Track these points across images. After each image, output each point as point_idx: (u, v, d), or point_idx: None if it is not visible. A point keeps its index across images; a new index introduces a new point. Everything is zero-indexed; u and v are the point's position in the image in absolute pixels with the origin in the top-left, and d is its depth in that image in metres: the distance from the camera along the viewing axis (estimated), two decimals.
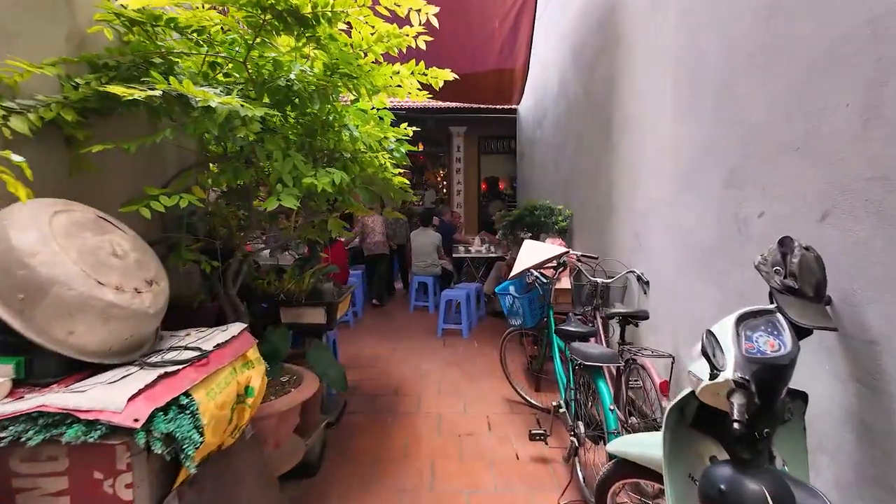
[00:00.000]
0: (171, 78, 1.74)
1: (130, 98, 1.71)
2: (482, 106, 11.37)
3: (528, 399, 3.76)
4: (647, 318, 2.77)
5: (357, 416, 3.59)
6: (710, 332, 1.41)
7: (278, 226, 3.45)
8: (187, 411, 1.30)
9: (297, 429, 2.52)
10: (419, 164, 18.28)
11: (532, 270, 3.27)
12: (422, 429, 3.40)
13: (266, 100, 2.21)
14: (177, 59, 2.13)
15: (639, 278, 3.18)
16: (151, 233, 2.42)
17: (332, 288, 3.40)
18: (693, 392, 1.48)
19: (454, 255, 7.26)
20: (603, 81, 4.14)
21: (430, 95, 2.89)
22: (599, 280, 3.30)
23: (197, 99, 1.78)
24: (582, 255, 3.42)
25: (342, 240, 6.21)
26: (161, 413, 1.21)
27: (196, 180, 2.35)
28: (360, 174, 2.83)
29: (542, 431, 2.94)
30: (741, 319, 1.43)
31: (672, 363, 2.49)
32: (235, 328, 1.79)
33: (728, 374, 1.28)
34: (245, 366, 1.71)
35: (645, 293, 3.15)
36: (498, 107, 11.23)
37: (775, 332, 1.42)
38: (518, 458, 2.99)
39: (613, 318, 2.82)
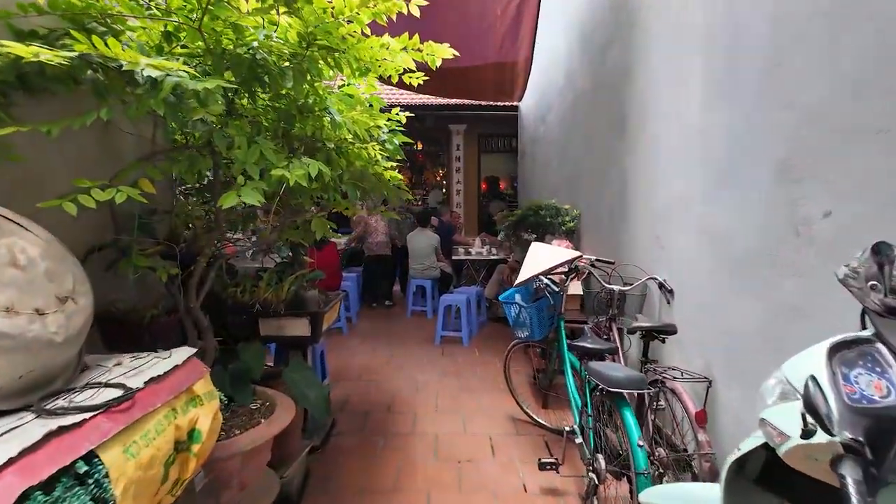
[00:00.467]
0: (95, 37, 1.39)
1: (49, 64, 1.36)
2: (482, 103, 11.03)
3: (535, 418, 3.41)
4: (675, 332, 2.42)
5: (346, 439, 3.24)
6: (814, 380, 1.04)
7: (255, 226, 3.10)
8: (88, 481, 0.95)
9: (274, 458, 2.17)
10: (418, 163, 17.94)
11: (541, 277, 2.93)
12: (417, 452, 3.05)
13: (230, 77, 1.87)
14: (122, 26, 1.78)
15: (661, 286, 2.84)
16: (102, 236, 2.07)
17: (318, 296, 3.05)
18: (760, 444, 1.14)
19: (453, 258, 6.90)
20: (615, 71, 3.80)
21: (426, 76, 2.53)
22: (615, 287, 2.96)
23: (144, 72, 1.44)
24: (596, 260, 3.07)
25: (334, 241, 5.86)
26: (41, 492, 0.86)
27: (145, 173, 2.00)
28: (347, 168, 2.48)
29: (552, 460, 2.59)
30: (833, 351, 1.08)
31: (708, 388, 2.14)
32: (181, 355, 1.44)
33: (832, 433, 0.93)
34: (191, 403, 1.36)
35: (668, 303, 2.80)
36: (499, 104, 10.89)
37: (879, 370, 1.06)
38: (526, 491, 2.63)
39: (636, 332, 2.47)
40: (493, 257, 6.74)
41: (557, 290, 2.83)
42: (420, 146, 13.48)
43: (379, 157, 2.58)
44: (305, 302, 2.94)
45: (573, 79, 5.23)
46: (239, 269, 3.58)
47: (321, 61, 1.95)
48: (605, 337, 3.02)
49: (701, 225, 2.44)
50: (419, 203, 15.43)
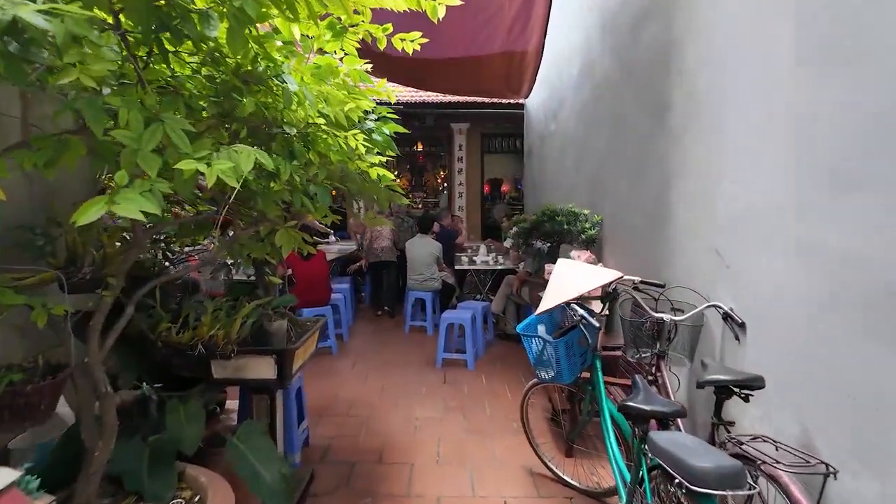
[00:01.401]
0: None
1: None
2: (486, 100, 10.41)
3: (561, 474, 2.77)
4: (762, 386, 1.79)
5: (324, 501, 2.60)
6: None
7: (208, 238, 2.48)
8: None
9: None
10: (418, 164, 17.32)
11: (573, 305, 2.28)
12: None
13: (129, 24, 1.24)
14: None
15: (726, 317, 2.21)
16: None
17: (288, 327, 2.41)
18: None
19: (456, 267, 6.25)
20: (652, 50, 3.17)
21: (421, 37, 1.90)
22: (667, 316, 2.33)
23: None
24: (640, 282, 2.44)
25: (322, 250, 5.23)
26: None
27: None
28: (320, 164, 1.85)
29: None
30: None
31: (825, 480, 1.50)
32: None
33: None
34: None
35: (737, 339, 2.17)
36: (504, 101, 10.26)
37: None
38: None
39: (709, 385, 1.83)
40: (499, 267, 6.09)
41: (594, 322, 2.19)
42: (420, 147, 12.86)
43: (362, 148, 1.95)
44: (270, 336, 2.30)
45: (592, 69, 4.60)
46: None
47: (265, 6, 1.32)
48: (649, 379, 2.39)
49: (801, 242, 1.80)
50: (419, 206, 14.78)
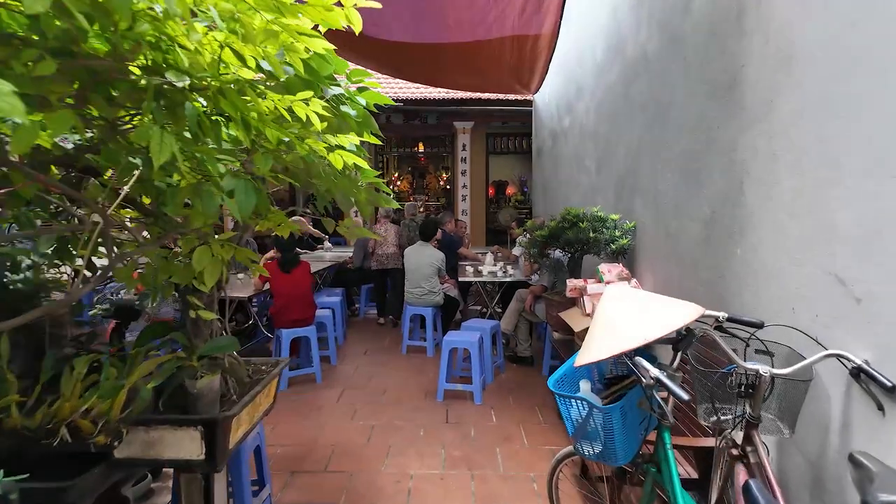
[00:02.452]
0: None
1: None
2: (491, 97, 9.74)
3: None
4: None
5: None
6: None
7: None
8: None
9: None
10: (419, 166, 16.62)
11: (639, 358, 1.57)
12: None
13: None
14: None
15: (860, 372, 1.52)
16: None
17: (220, 383, 1.71)
18: None
19: (460, 279, 5.55)
20: (710, 10, 2.48)
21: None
22: (762, 368, 1.63)
23: None
24: (727, 318, 1.73)
25: (305, 261, 4.54)
26: None
27: None
28: (258, 143, 1.16)
29: None
30: None
31: None
32: None
33: None
34: None
35: (880, 409, 1.47)
36: (510, 97, 9.60)
37: None
38: None
39: None
40: (508, 279, 5.39)
41: (680, 392, 1.46)
42: (422, 147, 12.19)
43: (317, 121, 1.24)
44: (196, 400, 1.60)
45: (622, 47, 3.91)
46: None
47: None
48: (733, 453, 1.69)
49: None
50: (422, 210, 14.07)
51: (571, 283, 3.61)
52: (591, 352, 1.61)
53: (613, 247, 3.50)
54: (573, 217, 3.75)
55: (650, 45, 3.30)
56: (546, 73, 6.70)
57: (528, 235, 4.06)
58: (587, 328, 2.42)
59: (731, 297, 2.22)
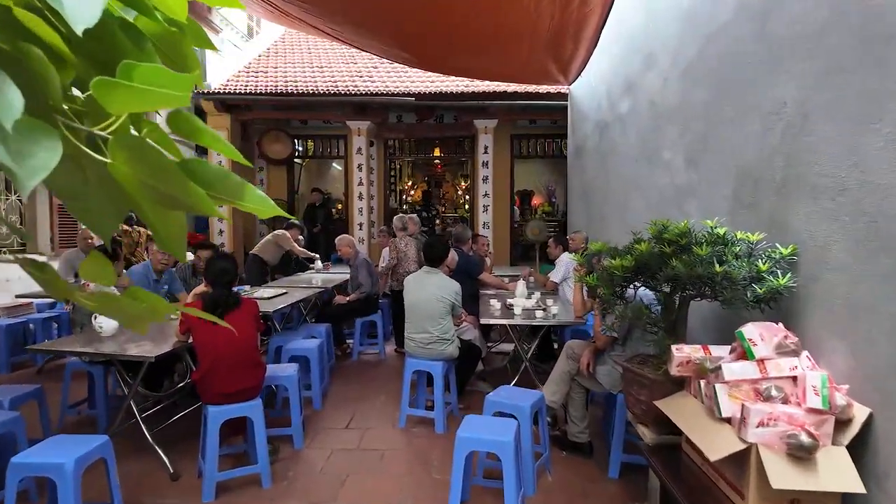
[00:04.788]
0: None
1: None
2: (518, 89, 8.25)
3: None
4: None
5: None
6: None
7: None
8: None
9: None
10: (435, 174, 15.11)
11: None
12: None
13: None
14: None
15: None
16: None
17: None
18: None
19: (482, 321, 3.95)
20: None
21: None
22: None
23: None
24: None
25: (248, 298, 3.05)
26: None
27: None
28: None
29: None
30: None
31: None
32: None
33: None
34: None
35: None
36: (542, 89, 8.09)
37: None
38: None
39: None
40: (551, 322, 3.80)
41: None
42: (438, 152, 10.71)
43: None
44: None
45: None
46: None
47: None
48: None
49: None
50: (439, 224, 12.50)
51: (681, 352, 2.07)
52: None
53: (760, 290, 1.95)
54: (676, 236, 2.20)
55: None
56: (595, 44, 5.18)
57: (596, 262, 2.50)
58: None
59: None
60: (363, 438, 3.46)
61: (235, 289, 3.59)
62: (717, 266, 2.03)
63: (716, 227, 2.21)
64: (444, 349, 3.57)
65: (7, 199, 6.02)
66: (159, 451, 2.92)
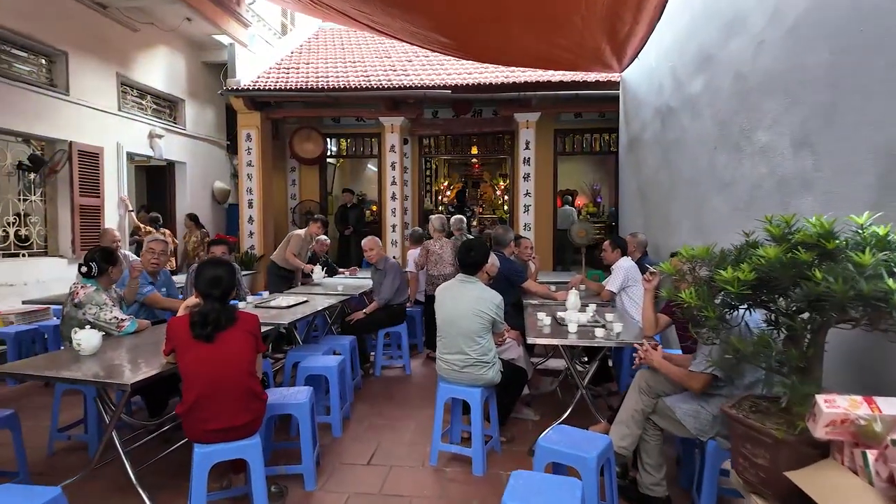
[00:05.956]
0: None
1: None
2: (564, 78, 7.57)
3: None
4: None
5: None
6: None
7: None
8: None
9: None
10: (473, 174, 14.50)
11: None
12: None
13: None
14: None
15: None
16: None
17: None
18: None
19: (529, 341, 3.29)
20: None
21: None
22: None
23: None
24: None
25: (245, 312, 2.51)
26: None
27: None
28: None
29: None
30: None
31: None
32: None
33: None
34: None
35: None
36: (589, 78, 7.40)
37: None
38: None
39: None
40: (613, 343, 3.13)
41: None
42: (475, 150, 10.09)
43: None
44: None
45: None
46: None
47: None
48: None
49: None
50: (476, 226, 11.82)
51: (832, 406, 1.42)
52: None
53: None
54: (816, 237, 1.55)
55: None
56: (659, 16, 4.50)
57: (692, 271, 1.86)
58: None
59: None
60: (387, 480, 2.90)
61: (234, 301, 3.11)
62: (889, 281, 1.37)
63: (870, 226, 1.55)
64: (483, 374, 2.98)
65: (27, 200, 5.78)
66: (143, 496, 2.44)
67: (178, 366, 2.28)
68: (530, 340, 3.13)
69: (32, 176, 5.80)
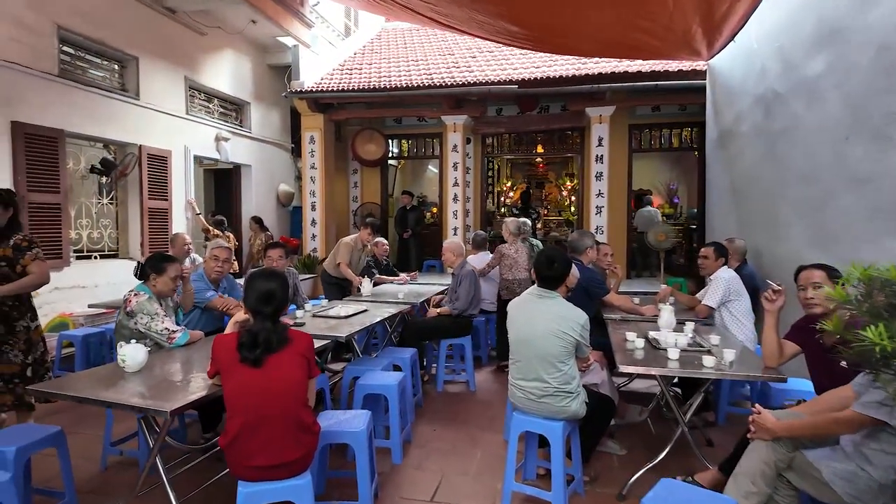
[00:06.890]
0: None
1: None
2: (642, 68, 6.96)
3: None
4: None
5: None
6: None
7: None
8: None
9: None
10: (537, 174, 13.92)
11: None
12: None
13: None
14: None
15: None
16: None
17: None
18: None
19: (622, 367, 2.82)
20: None
21: None
22: None
23: None
24: None
25: (298, 331, 2.21)
26: None
27: None
28: None
29: None
30: None
31: None
32: None
33: None
34: None
35: None
36: (671, 67, 6.75)
37: None
38: None
39: None
40: (726, 375, 2.60)
41: None
42: (541, 149, 9.57)
43: None
44: None
45: None
46: None
47: None
48: None
49: None
50: (541, 228, 11.23)
51: None
52: None
53: None
54: None
55: None
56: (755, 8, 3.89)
57: (868, 297, 1.37)
58: None
59: None
60: None
61: (292, 308, 2.84)
62: None
63: None
64: (566, 406, 2.55)
65: (99, 203, 5.90)
66: None
67: (223, 391, 2.02)
68: (623, 369, 2.66)
69: (104, 179, 5.92)
